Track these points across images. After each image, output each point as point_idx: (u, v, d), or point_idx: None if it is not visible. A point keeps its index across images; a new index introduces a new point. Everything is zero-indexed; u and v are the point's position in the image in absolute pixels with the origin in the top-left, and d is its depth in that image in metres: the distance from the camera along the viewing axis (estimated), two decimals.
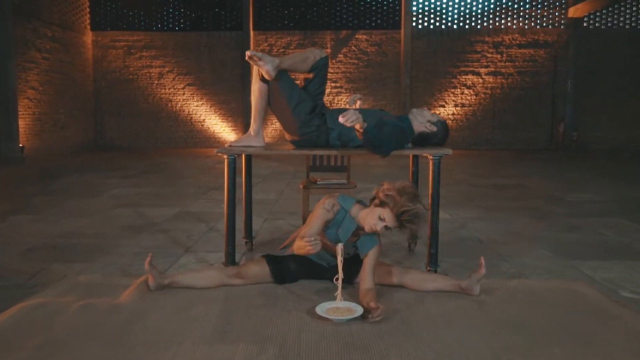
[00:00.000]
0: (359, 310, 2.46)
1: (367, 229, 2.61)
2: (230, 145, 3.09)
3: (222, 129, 15.25)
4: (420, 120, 3.18)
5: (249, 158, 3.60)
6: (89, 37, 14.78)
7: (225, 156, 2.99)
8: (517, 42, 14.66)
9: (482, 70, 14.79)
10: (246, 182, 3.66)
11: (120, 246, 3.87)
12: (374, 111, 3.22)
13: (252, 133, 3.17)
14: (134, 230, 4.41)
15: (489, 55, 14.74)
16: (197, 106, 15.27)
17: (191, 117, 15.27)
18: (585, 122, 14.60)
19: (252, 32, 14.83)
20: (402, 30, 14.45)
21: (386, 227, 2.57)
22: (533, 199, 6.15)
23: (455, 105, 14.97)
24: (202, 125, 15.32)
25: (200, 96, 15.22)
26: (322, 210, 2.70)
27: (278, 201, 5.92)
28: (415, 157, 3.66)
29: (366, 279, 2.67)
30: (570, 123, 14.57)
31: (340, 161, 4.22)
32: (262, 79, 3.03)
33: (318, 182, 3.89)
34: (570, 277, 3.16)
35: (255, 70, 3.05)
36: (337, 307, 2.50)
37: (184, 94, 15.20)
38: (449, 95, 14.88)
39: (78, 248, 3.82)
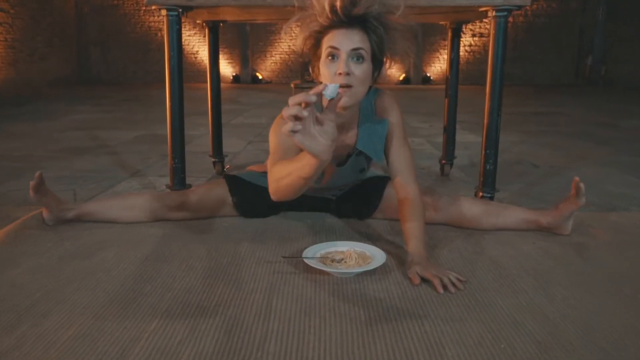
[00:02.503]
0: (377, 256, 1.41)
1: (332, 82, 1.37)
2: None
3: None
4: None
5: (214, 33, 2.50)
6: None
7: (162, 12, 1.88)
8: None
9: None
10: (212, 73, 2.58)
11: (44, 169, 2.81)
12: None
13: None
14: (75, 152, 3.34)
15: None
16: (189, 36, 13.94)
17: (183, 49, 13.94)
18: (615, 55, 13.20)
19: None
20: None
21: (357, 57, 1.37)
22: (580, 125, 5.02)
23: (473, 35, 13.55)
24: (195, 57, 14.02)
25: (192, 24, 13.84)
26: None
27: (269, 125, 4.82)
28: (457, 30, 2.51)
29: (405, 205, 1.53)
30: (599, 56, 13.18)
31: None
32: None
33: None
34: None
35: None
36: (339, 251, 1.45)
37: None
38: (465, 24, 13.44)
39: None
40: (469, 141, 3.88)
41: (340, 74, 1.36)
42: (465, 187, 2.43)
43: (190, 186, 2.03)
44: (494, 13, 1.81)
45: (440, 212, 1.75)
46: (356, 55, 1.38)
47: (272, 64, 13.97)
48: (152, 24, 13.85)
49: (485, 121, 1.90)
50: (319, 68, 1.47)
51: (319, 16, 1.38)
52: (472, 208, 1.73)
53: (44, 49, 12.24)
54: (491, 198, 1.97)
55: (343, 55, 1.37)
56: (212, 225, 1.81)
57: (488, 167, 1.93)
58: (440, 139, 3.93)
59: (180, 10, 1.87)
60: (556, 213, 1.68)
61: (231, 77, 13.87)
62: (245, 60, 13.72)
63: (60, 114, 5.80)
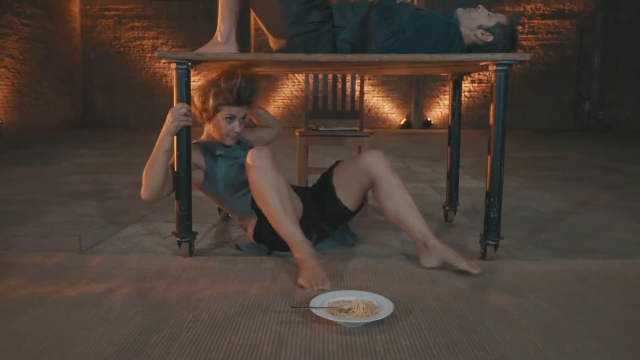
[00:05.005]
0: (384, 306, 1.40)
1: (229, 141, 2.15)
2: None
3: None
4: (469, 26, 2.11)
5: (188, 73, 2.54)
6: (76, 4, 13.67)
7: (171, 65, 1.93)
8: (540, 12, 13.44)
9: None
10: None
11: (47, 214, 2.82)
12: (408, 4, 2.15)
13: (219, 38, 2.11)
14: (78, 197, 3.36)
15: None
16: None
17: None
18: (612, 100, 13.40)
19: None
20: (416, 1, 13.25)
21: (242, 119, 2.14)
22: (583, 169, 5.05)
23: (472, 82, 13.80)
24: None
25: (197, 70, 14.11)
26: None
27: None
28: (458, 81, 2.58)
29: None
30: (596, 101, 13.38)
31: (350, 105, 3.14)
32: None
33: (320, 129, 2.82)
34: None
35: None
36: (346, 300, 1.44)
37: None
38: None
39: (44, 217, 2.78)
40: (471, 186, 3.90)
41: (237, 132, 2.13)
42: (470, 234, 2.43)
43: (196, 233, 2.04)
44: (495, 67, 1.85)
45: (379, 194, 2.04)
46: (243, 119, 2.15)
47: (275, 109, 14.16)
48: (157, 69, 14.12)
49: (489, 170, 1.92)
50: (209, 118, 2.15)
51: (228, 95, 2.07)
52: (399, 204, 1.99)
53: (50, 94, 12.45)
54: (496, 246, 1.97)
55: (237, 120, 2.12)
56: (219, 270, 1.80)
57: (492, 215, 1.93)
58: (442, 184, 3.96)
59: (190, 63, 1.92)
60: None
61: None
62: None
63: (61, 157, 5.85)
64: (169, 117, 1.93)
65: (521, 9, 13.48)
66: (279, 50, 2.11)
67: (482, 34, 2.09)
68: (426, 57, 1.87)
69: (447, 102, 13.95)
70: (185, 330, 1.33)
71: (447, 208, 2.67)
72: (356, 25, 2.05)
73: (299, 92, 14.05)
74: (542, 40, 13.49)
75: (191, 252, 2.02)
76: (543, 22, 13.46)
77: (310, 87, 3.11)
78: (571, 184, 4.04)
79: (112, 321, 1.39)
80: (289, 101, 14.22)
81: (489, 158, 1.93)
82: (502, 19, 2.14)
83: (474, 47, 2.11)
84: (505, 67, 1.85)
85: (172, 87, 12.73)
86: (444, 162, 5.62)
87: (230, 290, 1.62)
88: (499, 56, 1.83)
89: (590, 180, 4.26)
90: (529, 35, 13.50)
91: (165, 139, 1.95)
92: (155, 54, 1.94)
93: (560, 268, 1.89)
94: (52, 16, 12.45)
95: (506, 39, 2.11)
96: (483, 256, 1.99)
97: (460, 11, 2.15)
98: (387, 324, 1.37)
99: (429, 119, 13.99)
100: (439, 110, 14.10)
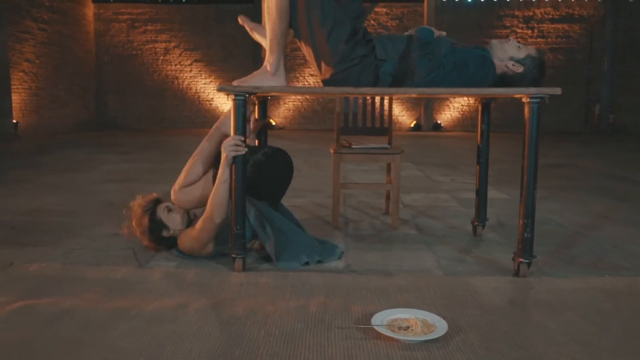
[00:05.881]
0: (438, 324, 1.56)
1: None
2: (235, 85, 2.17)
3: None
4: (500, 57, 2.26)
5: (262, 105, 2.70)
6: (90, 9, 13.87)
7: (230, 97, 2.09)
8: (550, 16, 13.57)
9: None
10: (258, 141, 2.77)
11: (96, 226, 2.99)
12: (443, 39, 2.30)
13: (268, 68, 2.25)
14: (118, 207, 3.51)
15: (519, 30, 13.67)
16: (204, 84, 14.37)
17: (199, 96, 14.37)
18: (622, 104, 13.51)
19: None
20: (426, 3, 13.39)
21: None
22: (597, 178, 5.20)
23: None
24: (210, 104, 14.42)
25: (208, 73, 14.30)
26: None
27: (296, 178, 5.00)
28: (487, 105, 2.73)
29: None
30: (606, 105, 13.49)
31: (379, 122, 3.29)
32: None
33: (353, 147, 2.98)
34: None
35: None
36: (403, 318, 1.59)
37: (191, 70, 14.29)
38: None
39: (41, 228, 2.94)
40: (493, 197, 4.03)
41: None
42: (499, 249, 2.58)
43: (250, 250, 2.21)
44: (528, 100, 2.00)
45: None
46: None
47: (285, 111, 14.33)
48: (169, 72, 14.31)
49: (524, 193, 2.07)
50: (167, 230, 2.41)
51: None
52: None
53: (65, 97, 12.66)
54: (529, 264, 2.12)
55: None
56: (274, 285, 1.96)
57: (526, 235, 2.08)
58: (465, 195, 4.11)
59: (247, 95, 2.07)
60: None
61: None
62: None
63: (86, 163, 6.03)
64: (222, 152, 2.12)
65: (530, 13, 13.60)
66: (326, 80, 2.24)
67: (513, 65, 2.24)
68: (464, 90, 2.02)
69: (456, 104, 14.10)
70: (262, 345, 1.49)
71: (476, 223, 2.81)
72: (397, 58, 2.20)
73: (309, 95, 14.20)
74: (552, 44, 13.60)
75: (244, 268, 2.17)
76: (553, 26, 13.58)
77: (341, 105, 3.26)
78: (587, 195, 4.18)
79: (193, 335, 1.55)
80: (299, 103, 14.38)
81: (523, 183, 2.07)
82: (532, 51, 2.29)
83: (504, 77, 2.26)
84: (538, 100, 2.00)
85: (183, 89, 13.03)
86: (461, 171, 5.79)
87: (291, 306, 1.78)
88: (532, 90, 1.98)
89: (606, 191, 4.40)
90: (538, 40, 13.62)
91: (223, 171, 2.15)
92: (216, 87, 2.09)
93: (590, 285, 2.04)
94: (67, 21, 12.65)
95: (535, 70, 2.25)
96: (516, 273, 2.14)
97: (494, 42, 2.29)
98: (442, 341, 1.52)
99: (438, 122, 14.13)
100: (449, 112, 14.23)
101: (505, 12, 13.59)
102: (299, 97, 14.29)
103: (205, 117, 14.37)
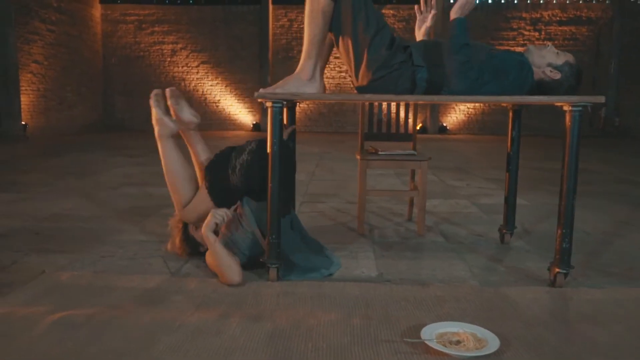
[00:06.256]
0: (489, 339, 1.54)
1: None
2: (270, 91, 2.16)
3: (238, 111, 14.33)
4: (538, 63, 2.25)
5: (291, 111, 2.69)
6: (97, 10, 13.88)
7: (267, 103, 2.07)
8: (557, 18, 13.55)
9: (518, 49, 13.65)
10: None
11: (121, 232, 2.98)
12: (480, 44, 2.29)
13: (303, 74, 2.23)
14: (139, 213, 3.51)
15: (526, 32, 13.65)
16: (211, 86, 14.36)
17: (205, 98, 14.37)
18: (627, 106, 13.49)
19: (270, 6, 13.85)
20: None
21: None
22: (611, 184, 5.18)
23: None
24: (217, 106, 14.42)
25: (215, 75, 14.30)
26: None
27: (311, 182, 5.00)
28: (518, 112, 2.71)
29: None
30: (612, 107, 13.47)
31: (404, 127, 3.28)
32: None
33: (379, 153, 2.96)
34: None
35: None
36: (452, 332, 1.58)
37: (197, 72, 14.28)
38: None
39: (66, 234, 2.93)
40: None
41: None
42: (530, 258, 2.56)
43: (284, 260, 2.19)
44: (570, 108, 1.99)
45: None
46: None
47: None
48: (176, 74, 14.30)
49: (563, 203, 2.05)
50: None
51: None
52: None
53: (72, 98, 12.67)
54: (566, 275, 2.11)
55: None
56: (311, 295, 1.95)
57: (564, 246, 2.07)
58: (484, 201, 4.10)
59: (285, 102, 2.06)
60: None
61: (251, 125, 14.21)
62: (266, 109, 14.02)
63: (98, 166, 6.02)
64: (210, 216, 2.16)
65: (537, 15, 13.57)
66: (362, 87, 2.23)
67: (551, 71, 2.22)
68: (505, 98, 2.01)
69: (462, 107, 14.08)
70: None
71: (504, 231, 2.80)
72: (432, 64, 2.18)
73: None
74: (559, 47, 13.55)
75: (279, 277, 2.16)
76: (560, 28, 13.56)
77: (366, 112, 3.24)
78: (605, 201, 4.16)
79: (241, 349, 1.54)
80: (306, 105, 14.37)
81: (562, 191, 2.06)
82: (569, 57, 2.27)
83: (541, 84, 2.25)
84: (580, 108, 1.98)
85: (190, 91, 13.00)
86: (474, 175, 5.77)
87: (333, 318, 1.76)
88: (574, 98, 1.97)
89: (622, 197, 4.38)
90: (545, 42, 13.58)
91: (209, 236, 2.14)
92: (255, 94, 2.07)
93: (628, 297, 2.02)
94: (75, 22, 12.65)
95: (573, 77, 2.24)
96: (552, 283, 2.12)
97: (532, 48, 2.28)
98: (493, 356, 1.50)
99: (444, 124, 14.11)
100: (455, 115, 14.22)
101: (512, 14, 13.57)
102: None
103: (212, 119, 14.36)
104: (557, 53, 2.28)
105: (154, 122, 2.43)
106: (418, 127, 14.14)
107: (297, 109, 14.23)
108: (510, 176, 2.76)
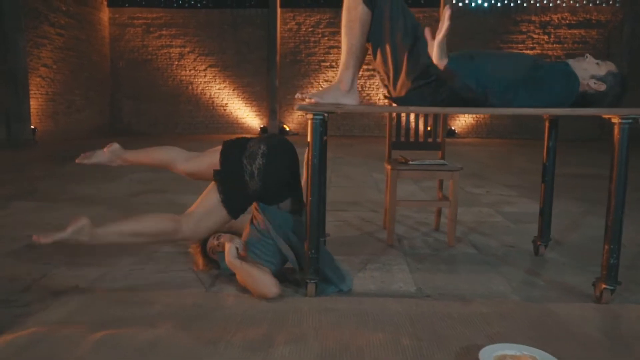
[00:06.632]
0: None
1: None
2: (311, 102, 2.11)
3: (246, 114, 14.30)
4: (581, 76, 2.19)
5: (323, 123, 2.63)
6: (105, 13, 13.87)
7: (308, 115, 2.03)
8: (567, 21, 13.49)
9: (528, 52, 13.64)
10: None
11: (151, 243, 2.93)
12: (525, 57, 2.25)
13: (342, 85, 2.18)
14: None
15: (535, 36, 13.59)
16: (219, 89, 14.33)
17: (213, 101, 14.34)
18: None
19: (279, 10, 13.83)
20: (441, 8, 13.33)
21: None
22: (630, 192, 5.10)
23: None
24: (224, 109, 14.39)
25: (222, 78, 14.27)
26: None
27: (330, 189, 4.95)
28: (555, 121, 2.66)
29: None
30: None
31: (433, 135, 3.23)
32: (366, 2, 2.06)
33: (410, 162, 2.92)
34: None
35: None
36: (511, 355, 1.53)
37: (205, 76, 14.26)
38: None
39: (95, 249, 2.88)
40: (536, 211, 3.96)
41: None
42: (568, 271, 2.51)
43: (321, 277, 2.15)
44: (619, 120, 1.94)
45: None
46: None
47: (299, 116, 14.28)
48: (184, 77, 14.29)
49: (610, 217, 2.01)
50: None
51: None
52: None
53: (80, 102, 12.65)
54: (612, 291, 2.06)
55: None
56: (352, 312, 1.90)
57: (612, 261, 2.02)
58: (508, 209, 4.05)
59: (326, 114, 2.02)
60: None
61: (259, 129, 14.19)
62: (274, 112, 14.05)
63: (112, 172, 5.95)
64: (227, 245, 2.11)
65: (547, 18, 13.52)
66: (401, 97, 2.19)
67: (595, 83, 2.17)
68: (557, 111, 1.98)
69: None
70: None
71: (539, 243, 2.75)
72: (474, 74, 2.14)
73: None
74: (568, 50, 13.52)
75: (317, 292, 2.12)
76: (569, 31, 13.50)
77: (394, 120, 3.20)
78: (631, 210, 4.10)
79: None
80: None
81: (610, 206, 2.01)
82: (611, 67, 2.22)
83: (585, 96, 2.19)
84: (631, 121, 1.93)
85: (197, 94, 12.96)
86: (492, 181, 5.72)
87: (382, 338, 1.72)
88: (625, 111, 1.92)
89: None
90: (555, 45, 13.55)
91: (234, 261, 2.10)
92: (295, 107, 2.03)
93: None
94: (83, 25, 12.64)
95: (618, 86, 2.18)
96: (598, 300, 2.07)
97: (572, 62, 2.23)
98: None
99: (453, 128, 14.06)
100: (463, 119, 14.17)
101: (521, 17, 13.52)
102: None
103: (220, 122, 14.34)
104: (598, 63, 2.22)
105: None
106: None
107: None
108: (546, 187, 2.71)
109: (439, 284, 2.32)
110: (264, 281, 2.07)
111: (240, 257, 2.10)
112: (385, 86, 2.37)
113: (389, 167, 2.91)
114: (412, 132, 3.25)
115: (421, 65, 2.09)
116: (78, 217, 2.06)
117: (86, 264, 2.54)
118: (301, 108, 2.01)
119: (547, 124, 2.66)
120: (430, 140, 3.23)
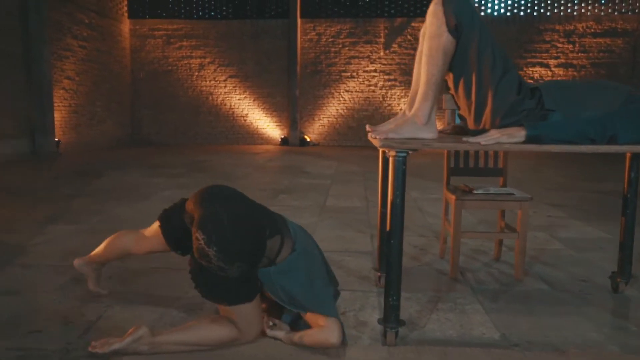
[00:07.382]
0: None
1: None
2: (388, 137, 1.96)
3: (266, 125, 14.20)
4: None
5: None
6: (126, 25, 13.87)
7: (390, 152, 1.88)
8: (592, 30, 13.25)
9: (552, 62, 13.42)
10: (382, 191, 2.56)
11: None
12: (620, 86, 2.09)
13: (418, 120, 2.03)
14: None
15: (559, 45, 13.37)
16: (239, 100, 14.25)
17: (233, 112, 14.26)
18: None
19: (299, 20, 13.74)
20: None
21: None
22: None
23: None
24: (245, 120, 14.30)
25: (242, 89, 14.19)
26: None
27: (369, 210, 4.80)
28: (637, 154, 2.50)
29: None
30: None
31: (493, 161, 3.07)
32: (451, 31, 1.91)
33: (475, 192, 2.75)
34: None
35: (433, 8, 1.95)
36: None
37: (225, 86, 14.19)
38: None
39: (142, 279, 2.76)
40: (593, 237, 3.79)
41: None
42: None
43: (404, 322, 1.99)
44: None
45: None
46: None
47: (320, 127, 14.16)
48: (204, 88, 14.23)
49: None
50: None
51: None
52: None
53: (102, 113, 12.63)
54: None
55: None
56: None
57: None
58: (563, 234, 3.87)
59: (409, 152, 1.87)
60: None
61: (279, 140, 14.08)
62: (295, 123, 13.94)
63: (143, 189, 5.88)
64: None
65: (571, 27, 13.30)
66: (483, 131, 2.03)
67: None
68: (614, 148, 1.81)
69: None
70: None
71: (619, 279, 2.57)
72: (567, 108, 1.98)
73: (344, 110, 14.03)
74: (594, 59, 13.28)
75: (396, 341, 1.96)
76: (595, 40, 13.26)
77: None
78: None
79: None
80: (334, 119, 14.20)
81: None
82: None
83: None
84: None
85: (217, 105, 13.02)
86: (533, 199, 5.46)
87: None
88: None
89: None
90: (580, 54, 13.32)
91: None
92: (379, 143, 1.88)
93: None
94: (104, 37, 12.64)
95: None
96: None
97: None
98: None
99: None
100: None
101: (545, 26, 13.30)
102: (333, 112, 14.10)
103: (240, 132, 14.25)
104: None
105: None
106: None
107: (326, 123, 14.09)
108: (627, 221, 2.53)
109: (523, 329, 2.15)
110: (319, 338, 1.91)
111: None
112: (461, 117, 2.22)
113: (452, 197, 2.74)
114: (472, 157, 3.08)
115: (509, 103, 1.94)
116: (137, 326, 1.90)
117: (139, 302, 2.41)
118: (384, 145, 1.86)
119: (628, 155, 2.49)
120: (491, 166, 3.07)
